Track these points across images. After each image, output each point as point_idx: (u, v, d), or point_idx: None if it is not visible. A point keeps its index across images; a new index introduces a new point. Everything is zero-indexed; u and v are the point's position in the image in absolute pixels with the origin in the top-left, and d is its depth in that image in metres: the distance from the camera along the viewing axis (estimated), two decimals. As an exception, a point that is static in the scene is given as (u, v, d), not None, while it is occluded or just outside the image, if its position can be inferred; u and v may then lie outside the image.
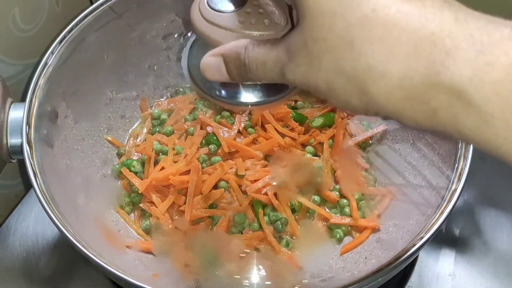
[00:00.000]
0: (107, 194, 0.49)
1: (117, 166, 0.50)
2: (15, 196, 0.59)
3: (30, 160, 0.39)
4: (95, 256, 0.37)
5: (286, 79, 0.26)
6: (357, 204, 0.48)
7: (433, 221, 0.39)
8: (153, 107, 0.55)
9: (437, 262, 0.51)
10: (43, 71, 0.45)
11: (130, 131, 0.54)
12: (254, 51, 0.27)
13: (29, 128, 0.42)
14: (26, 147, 0.40)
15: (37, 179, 0.39)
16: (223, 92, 0.40)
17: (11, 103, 0.45)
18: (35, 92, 0.44)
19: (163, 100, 0.55)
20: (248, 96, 0.43)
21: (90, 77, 0.49)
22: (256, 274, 0.45)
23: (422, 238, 0.39)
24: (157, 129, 0.53)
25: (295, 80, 0.26)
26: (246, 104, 0.39)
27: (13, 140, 0.43)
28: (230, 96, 0.41)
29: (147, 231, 0.48)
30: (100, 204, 0.48)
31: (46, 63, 0.45)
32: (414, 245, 0.38)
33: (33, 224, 0.55)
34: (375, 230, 0.47)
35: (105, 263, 0.36)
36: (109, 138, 0.52)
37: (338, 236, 0.47)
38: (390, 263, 0.38)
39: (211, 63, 0.30)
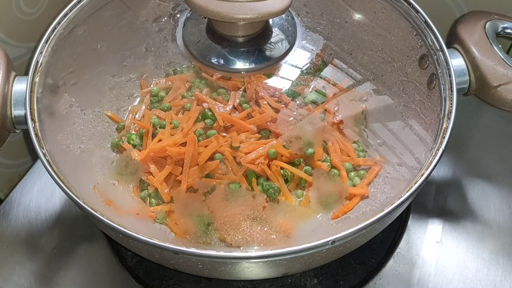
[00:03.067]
0: (107, 166, 0.51)
1: (117, 139, 0.52)
2: (18, 175, 0.62)
3: (33, 130, 0.41)
4: (100, 215, 0.38)
5: None
6: (348, 174, 0.50)
7: (419, 175, 0.41)
8: (152, 85, 0.57)
9: (425, 231, 0.53)
10: (45, 45, 0.47)
11: (129, 108, 0.56)
12: None
13: (31, 99, 0.44)
14: (29, 118, 0.42)
15: (41, 148, 0.41)
16: (219, 61, 0.43)
17: (15, 76, 0.48)
18: (38, 65, 0.46)
19: (161, 78, 0.57)
20: (241, 64, 0.47)
21: (90, 57, 0.50)
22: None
23: (407, 192, 0.40)
24: (155, 106, 0.55)
25: None
26: (240, 70, 0.46)
27: (17, 111, 0.46)
28: (225, 64, 0.47)
29: (145, 200, 0.50)
30: (99, 175, 0.50)
31: (48, 39, 0.47)
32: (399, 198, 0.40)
33: (36, 197, 0.57)
34: (364, 197, 0.48)
35: (111, 221, 0.38)
36: (109, 114, 0.54)
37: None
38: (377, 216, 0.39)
39: None
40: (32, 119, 0.42)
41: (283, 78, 0.52)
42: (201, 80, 0.57)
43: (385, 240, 0.52)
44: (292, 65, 0.50)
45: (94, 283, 0.51)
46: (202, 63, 0.48)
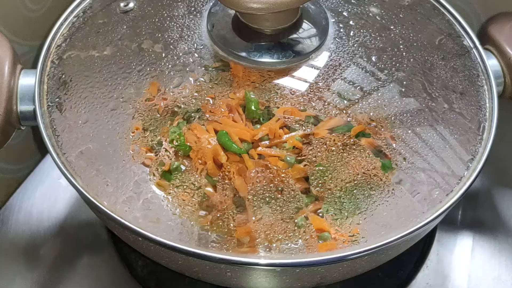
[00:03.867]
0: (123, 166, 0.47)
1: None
2: (16, 182, 0.58)
3: (43, 125, 0.38)
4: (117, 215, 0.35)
5: None
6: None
7: (457, 188, 0.38)
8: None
9: (455, 242, 0.50)
10: (54, 38, 0.44)
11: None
12: None
13: (41, 94, 0.40)
14: (39, 112, 0.39)
15: (52, 143, 0.37)
16: (246, 55, 0.45)
17: (21, 69, 0.44)
18: (47, 58, 0.42)
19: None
20: (269, 58, 0.45)
21: (102, 48, 0.47)
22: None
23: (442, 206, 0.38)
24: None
25: None
26: (264, 64, 0.45)
27: (23, 107, 0.42)
28: (252, 58, 0.46)
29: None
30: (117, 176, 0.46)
31: (57, 32, 0.44)
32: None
33: (38, 203, 0.53)
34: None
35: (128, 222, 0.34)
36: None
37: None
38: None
39: None
40: (42, 114, 0.39)
41: (309, 75, 0.50)
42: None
43: (413, 252, 0.49)
44: (321, 62, 0.48)
45: (101, 294, 0.47)
46: (229, 57, 0.45)
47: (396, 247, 0.35)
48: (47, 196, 0.54)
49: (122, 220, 0.33)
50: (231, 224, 0.46)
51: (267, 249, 0.44)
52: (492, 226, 0.51)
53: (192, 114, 0.53)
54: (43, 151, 0.60)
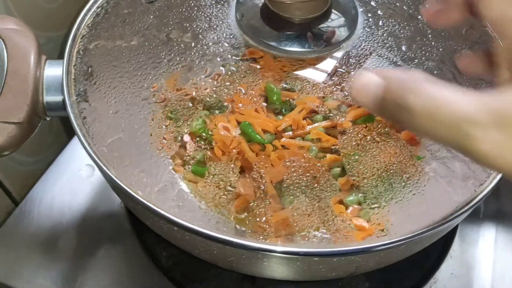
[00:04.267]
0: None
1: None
2: (32, 175, 0.57)
3: (73, 115, 0.38)
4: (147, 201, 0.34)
5: (470, 147, 0.20)
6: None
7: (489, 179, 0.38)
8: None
9: (478, 232, 0.50)
10: (79, 29, 0.43)
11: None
12: (429, 92, 0.20)
13: (69, 84, 0.40)
14: (68, 103, 0.39)
15: (83, 133, 0.37)
16: (273, 42, 0.45)
17: (46, 60, 0.44)
18: (73, 49, 0.42)
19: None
20: (298, 47, 0.45)
21: (129, 38, 0.47)
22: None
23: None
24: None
25: (488, 152, 0.19)
26: (295, 53, 0.44)
27: (49, 97, 0.42)
28: (279, 45, 0.46)
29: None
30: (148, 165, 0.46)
31: (82, 22, 0.44)
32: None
33: (58, 195, 0.53)
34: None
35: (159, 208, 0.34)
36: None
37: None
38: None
39: (369, 83, 0.22)
40: (72, 105, 0.38)
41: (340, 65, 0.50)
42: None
43: (437, 242, 0.49)
44: (350, 52, 0.48)
45: (125, 284, 0.47)
46: (259, 46, 0.45)
47: (433, 235, 0.35)
48: (68, 188, 0.53)
49: (159, 210, 0.33)
50: (263, 215, 0.46)
51: (305, 239, 0.44)
52: (515, 217, 0.52)
53: (217, 105, 0.53)
54: (61, 143, 0.59)
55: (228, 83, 0.52)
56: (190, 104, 0.51)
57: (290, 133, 0.50)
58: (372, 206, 0.45)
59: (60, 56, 0.51)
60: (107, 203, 0.52)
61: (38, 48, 0.43)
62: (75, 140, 0.58)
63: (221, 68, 0.50)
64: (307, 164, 0.46)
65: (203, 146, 0.49)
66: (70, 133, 0.60)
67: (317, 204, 0.46)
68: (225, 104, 0.52)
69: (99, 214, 0.52)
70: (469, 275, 0.47)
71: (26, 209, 0.52)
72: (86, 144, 0.36)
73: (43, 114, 0.43)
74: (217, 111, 0.53)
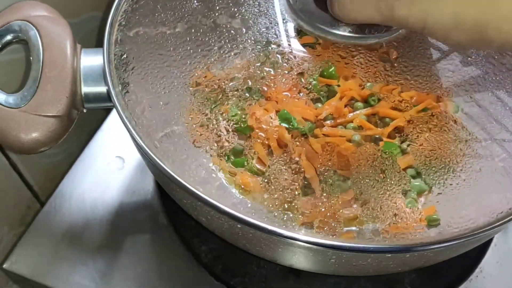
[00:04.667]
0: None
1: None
2: (54, 166, 0.55)
3: (120, 107, 0.36)
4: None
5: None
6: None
7: None
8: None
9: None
10: (116, 15, 0.41)
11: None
12: None
13: (112, 74, 0.38)
14: (113, 93, 0.36)
15: (131, 122, 0.35)
16: (329, 28, 0.44)
17: (81, 49, 0.42)
18: (111, 36, 0.40)
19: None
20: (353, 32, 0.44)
21: (173, 24, 0.45)
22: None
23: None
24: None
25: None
26: (351, 38, 0.44)
27: (87, 88, 0.40)
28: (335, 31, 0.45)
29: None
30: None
31: (118, 8, 0.41)
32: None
33: (88, 189, 0.51)
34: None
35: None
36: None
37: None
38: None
39: None
40: (117, 96, 0.36)
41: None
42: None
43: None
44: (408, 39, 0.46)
45: (165, 280, 0.46)
46: (314, 31, 0.43)
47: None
48: (99, 181, 0.52)
49: (219, 205, 0.31)
50: (301, 207, 0.45)
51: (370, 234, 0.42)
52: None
53: (249, 91, 0.51)
54: (83, 135, 0.57)
55: (285, 72, 0.51)
56: (243, 92, 0.49)
57: (331, 121, 0.49)
58: (442, 197, 0.44)
59: (89, 44, 0.49)
60: (141, 195, 0.51)
61: (73, 37, 0.41)
62: (100, 132, 0.56)
63: (277, 55, 0.48)
64: (372, 154, 0.44)
65: (234, 137, 0.48)
66: (93, 124, 0.58)
67: (386, 193, 0.44)
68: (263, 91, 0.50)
69: (133, 208, 0.50)
70: (515, 263, 0.47)
71: (56, 205, 0.50)
72: (137, 138, 0.34)
73: (81, 106, 0.41)
74: (253, 100, 0.51)
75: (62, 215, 0.49)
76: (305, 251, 0.31)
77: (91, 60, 0.41)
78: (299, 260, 0.33)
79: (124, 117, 0.35)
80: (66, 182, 0.52)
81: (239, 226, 0.31)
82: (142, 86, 0.43)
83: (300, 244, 0.30)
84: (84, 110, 0.42)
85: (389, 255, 0.30)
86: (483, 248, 0.48)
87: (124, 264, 0.47)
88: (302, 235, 0.30)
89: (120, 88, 0.37)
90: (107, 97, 0.38)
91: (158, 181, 0.38)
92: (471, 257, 0.48)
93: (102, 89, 0.40)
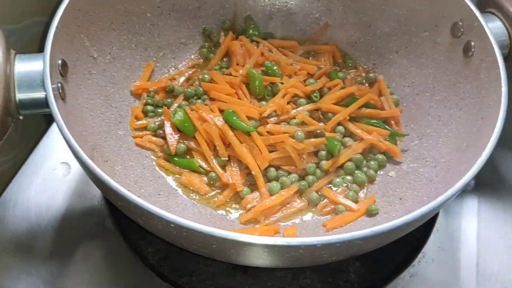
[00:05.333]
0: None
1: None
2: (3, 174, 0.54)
3: (58, 112, 0.35)
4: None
5: None
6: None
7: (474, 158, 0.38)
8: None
9: (461, 205, 0.51)
10: (56, 25, 0.40)
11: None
12: None
13: (52, 79, 0.37)
14: (51, 99, 0.36)
15: (70, 128, 0.35)
16: None
17: (15, 54, 0.41)
18: (49, 43, 0.39)
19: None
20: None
21: (97, 35, 0.45)
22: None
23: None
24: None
25: None
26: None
27: (22, 95, 0.40)
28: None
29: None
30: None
31: (58, 19, 0.41)
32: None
33: (34, 196, 0.50)
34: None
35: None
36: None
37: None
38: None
39: None
40: (56, 102, 0.36)
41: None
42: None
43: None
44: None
45: (114, 284, 0.45)
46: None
47: (427, 215, 0.35)
48: (44, 188, 0.51)
49: (155, 211, 0.31)
50: (246, 203, 0.45)
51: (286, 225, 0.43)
52: (495, 187, 0.52)
53: (193, 95, 0.51)
54: (29, 142, 0.56)
55: (206, 71, 0.51)
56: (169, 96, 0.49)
57: (275, 118, 0.50)
58: (351, 190, 0.45)
59: (26, 50, 0.48)
60: (87, 201, 0.50)
61: (5, 42, 0.40)
62: (46, 139, 0.55)
63: (191, 56, 0.48)
64: (293, 149, 0.45)
65: (176, 138, 0.48)
66: (39, 131, 0.57)
67: (306, 189, 0.45)
68: (196, 94, 0.51)
69: (79, 213, 0.49)
70: (456, 247, 0.48)
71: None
72: (75, 144, 0.34)
73: (16, 113, 0.40)
74: (198, 100, 0.51)
75: (5, 224, 0.48)
76: (239, 247, 0.32)
77: (27, 66, 0.40)
78: (234, 256, 0.33)
79: (62, 124, 0.34)
80: (10, 190, 0.51)
81: (172, 226, 0.31)
82: (82, 92, 0.42)
83: (231, 240, 0.31)
84: (20, 117, 0.41)
85: (320, 246, 0.31)
86: (425, 234, 0.50)
87: (71, 270, 0.46)
88: (228, 233, 0.30)
89: (59, 94, 0.37)
90: (45, 103, 0.38)
91: (96, 186, 0.38)
92: (413, 243, 0.49)
93: (39, 95, 0.39)
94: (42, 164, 0.53)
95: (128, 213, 0.35)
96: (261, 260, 0.32)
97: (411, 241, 0.49)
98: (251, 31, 0.56)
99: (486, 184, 0.53)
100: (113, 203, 0.37)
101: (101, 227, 0.49)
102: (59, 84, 0.39)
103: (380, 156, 0.48)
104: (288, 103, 0.50)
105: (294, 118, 0.49)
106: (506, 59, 0.47)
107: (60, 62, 0.40)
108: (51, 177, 0.52)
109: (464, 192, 0.52)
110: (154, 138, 0.49)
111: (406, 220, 0.32)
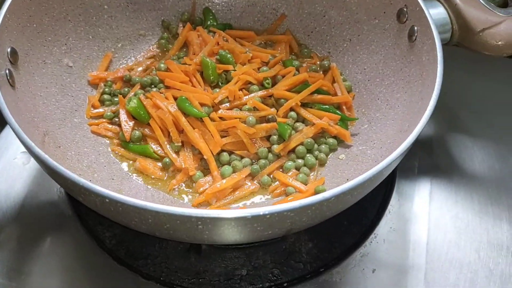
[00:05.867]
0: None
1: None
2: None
3: (4, 100, 0.36)
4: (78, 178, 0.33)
5: None
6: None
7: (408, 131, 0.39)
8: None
9: (414, 187, 0.52)
10: (3, 14, 0.41)
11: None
12: None
13: None
14: None
15: (15, 118, 0.35)
16: None
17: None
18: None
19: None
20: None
21: (51, 26, 0.46)
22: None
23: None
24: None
25: None
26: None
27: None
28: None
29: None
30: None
31: (6, 8, 0.42)
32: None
33: (-7, 186, 0.51)
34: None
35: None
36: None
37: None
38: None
39: None
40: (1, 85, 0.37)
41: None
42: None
43: (374, 199, 0.51)
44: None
45: (72, 270, 0.46)
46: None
47: (359, 188, 0.36)
48: (3, 177, 0.51)
49: (86, 183, 0.32)
50: (199, 187, 0.46)
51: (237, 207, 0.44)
52: (447, 170, 0.54)
53: (149, 83, 0.53)
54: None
55: (152, 62, 0.52)
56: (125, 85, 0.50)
57: (227, 104, 0.51)
58: (301, 172, 0.46)
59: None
60: (46, 189, 0.51)
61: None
62: (7, 128, 0.56)
63: (147, 47, 0.49)
64: (245, 133, 0.46)
65: (131, 125, 0.49)
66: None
67: (258, 172, 0.46)
68: (151, 83, 0.52)
69: (38, 202, 0.50)
70: (407, 228, 0.49)
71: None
72: (15, 124, 0.35)
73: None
74: (154, 89, 0.52)
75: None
76: (172, 220, 0.33)
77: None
78: (172, 231, 0.34)
79: (7, 111, 0.35)
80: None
81: (107, 201, 0.32)
82: (35, 81, 0.43)
83: (164, 213, 0.31)
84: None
85: (250, 217, 0.32)
86: (378, 216, 0.51)
87: (32, 257, 0.47)
88: (167, 207, 0.31)
89: (7, 80, 0.38)
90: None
91: (39, 165, 0.38)
92: (366, 224, 0.50)
93: (-14, 81, 0.40)
94: (2, 153, 0.54)
95: (70, 192, 0.36)
96: (195, 233, 0.33)
97: (364, 222, 0.50)
98: (209, 22, 0.58)
99: (439, 167, 0.54)
100: (58, 184, 0.38)
101: (61, 215, 0.50)
102: (7, 71, 0.40)
103: (331, 140, 0.50)
104: (241, 90, 0.51)
105: (246, 104, 0.50)
106: (449, 43, 0.49)
107: (9, 50, 0.41)
108: (11, 166, 0.53)
109: (417, 175, 0.53)
110: (110, 126, 0.50)
111: (335, 192, 0.33)
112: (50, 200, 0.51)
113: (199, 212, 0.31)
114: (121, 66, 0.55)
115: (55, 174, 0.34)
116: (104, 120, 0.50)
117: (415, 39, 0.47)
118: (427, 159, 0.54)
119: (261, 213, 0.32)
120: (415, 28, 0.47)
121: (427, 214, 0.50)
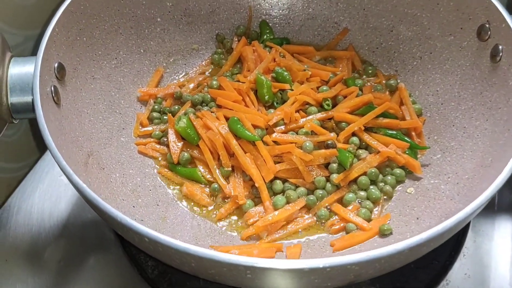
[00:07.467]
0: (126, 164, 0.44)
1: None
2: (16, 181, 0.54)
3: (40, 113, 0.34)
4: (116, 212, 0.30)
5: None
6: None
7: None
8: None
9: (493, 227, 0.46)
10: (52, 27, 0.39)
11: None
12: None
13: (41, 84, 0.36)
14: (37, 101, 0.35)
15: (54, 138, 0.33)
16: None
17: (11, 57, 0.40)
18: (45, 47, 0.38)
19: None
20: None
21: (102, 39, 0.44)
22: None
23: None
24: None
25: None
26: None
27: (15, 98, 0.39)
28: None
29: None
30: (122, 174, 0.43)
31: (55, 21, 0.40)
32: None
33: (38, 203, 0.50)
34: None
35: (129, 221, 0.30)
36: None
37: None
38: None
39: None
40: (43, 106, 0.34)
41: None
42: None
43: (448, 239, 0.45)
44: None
45: (111, 298, 0.44)
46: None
47: (438, 238, 0.31)
48: (48, 195, 0.50)
49: (136, 225, 0.28)
50: (249, 218, 0.42)
51: (290, 243, 0.40)
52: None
53: (201, 101, 0.49)
54: (42, 147, 0.56)
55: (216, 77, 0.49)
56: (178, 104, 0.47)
57: (283, 127, 0.47)
58: (363, 207, 0.41)
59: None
60: (90, 209, 0.49)
61: (1, 43, 0.40)
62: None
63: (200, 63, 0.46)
64: (301, 160, 0.42)
65: (180, 146, 0.46)
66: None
67: (314, 204, 0.42)
68: (202, 101, 0.48)
69: (81, 222, 0.48)
70: (486, 275, 0.43)
71: (2, 219, 0.48)
72: (54, 148, 0.32)
73: (9, 117, 0.39)
74: (205, 108, 0.49)
75: (7, 230, 0.47)
76: (218, 267, 0.29)
77: (21, 69, 0.39)
78: (217, 276, 0.30)
79: (46, 131, 0.33)
80: (15, 196, 0.50)
81: (146, 240, 0.29)
82: (83, 97, 0.41)
83: (208, 259, 0.28)
84: (15, 121, 0.40)
85: (307, 270, 0.27)
86: (451, 260, 0.45)
87: (67, 281, 0.44)
88: (216, 253, 0.27)
89: (52, 98, 0.35)
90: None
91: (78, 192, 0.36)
92: (437, 269, 0.44)
93: (30, 99, 0.38)
94: (49, 170, 0.52)
95: (109, 224, 0.33)
96: (243, 280, 0.29)
97: (435, 266, 0.44)
98: (265, 36, 0.54)
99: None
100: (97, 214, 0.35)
101: (103, 237, 0.47)
102: (52, 88, 0.38)
103: (398, 171, 0.44)
104: (298, 111, 0.47)
105: (303, 127, 0.45)
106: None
107: (56, 65, 0.39)
108: (56, 183, 0.51)
109: (497, 212, 0.47)
110: (158, 146, 0.47)
111: (409, 244, 0.28)
112: (93, 220, 0.48)
113: (248, 261, 0.27)
114: (172, 82, 0.52)
115: (92, 205, 0.31)
116: (152, 139, 0.47)
117: (500, 59, 0.41)
118: (508, 193, 0.48)
119: (321, 266, 0.27)
120: (500, 47, 0.41)
121: (509, 260, 0.44)
